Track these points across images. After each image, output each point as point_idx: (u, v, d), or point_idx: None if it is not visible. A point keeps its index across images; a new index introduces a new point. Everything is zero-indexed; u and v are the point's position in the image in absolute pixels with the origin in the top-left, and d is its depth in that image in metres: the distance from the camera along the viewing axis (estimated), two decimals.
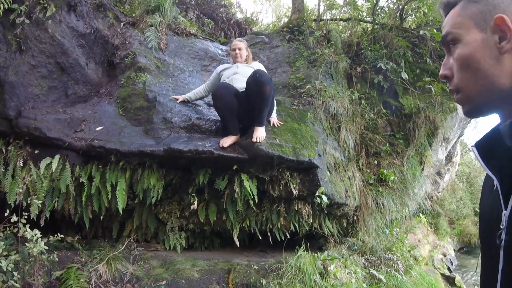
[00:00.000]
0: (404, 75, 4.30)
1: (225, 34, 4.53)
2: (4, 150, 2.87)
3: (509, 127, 0.61)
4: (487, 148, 0.66)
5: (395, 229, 4.62)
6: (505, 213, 0.59)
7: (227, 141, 2.85)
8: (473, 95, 0.65)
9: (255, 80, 2.76)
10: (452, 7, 0.70)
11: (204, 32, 4.39)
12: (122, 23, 4.17)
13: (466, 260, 8.28)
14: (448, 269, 7.04)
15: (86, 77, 3.51)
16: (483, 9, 0.64)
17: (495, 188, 0.63)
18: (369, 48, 4.42)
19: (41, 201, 2.75)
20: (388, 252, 4.48)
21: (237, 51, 3.28)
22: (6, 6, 2.73)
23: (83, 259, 2.88)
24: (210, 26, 4.61)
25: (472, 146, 0.70)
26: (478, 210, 0.82)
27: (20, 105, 2.94)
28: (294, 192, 2.90)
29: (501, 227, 0.59)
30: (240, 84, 3.03)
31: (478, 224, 0.74)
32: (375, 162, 3.79)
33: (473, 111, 0.68)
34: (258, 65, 3.36)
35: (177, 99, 3.28)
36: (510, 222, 0.58)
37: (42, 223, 2.86)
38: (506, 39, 0.61)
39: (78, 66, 3.42)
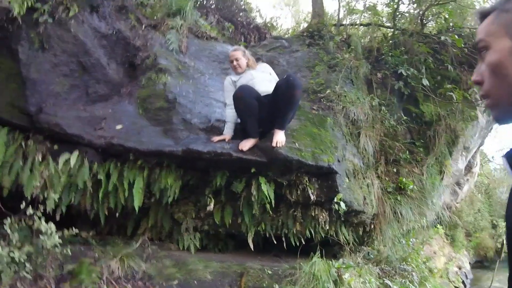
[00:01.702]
0: (425, 82, 4.22)
1: (245, 38, 4.55)
2: (23, 145, 2.92)
3: None
4: None
5: (411, 239, 4.51)
6: None
7: (246, 144, 2.84)
8: (502, 100, 0.68)
9: (288, 82, 2.73)
10: (486, 16, 0.73)
11: (224, 36, 4.42)
12: (143, 25, 4.22)
13: (481, 274, 8.02)
14: (463, 282, 6.83)
15: (107, 77, 3.55)
16: None
17: None
18: (390, 54, 4.36)
19: (58, 196, 2.79)
20: (404, 263, 4.38)
21: (234, 62, 3.18)
22: (29, 4, 2.80)
23: (97, 255, 2.89)
24: (230, 30, 4.64)
25: (502, 156, 0.70)
26: (500, 222, 0.78)
27: (42, 101, 3.00)
28: (312, 197, 2.86)
29: None
30: (260, 88, 3.00)
31: (506, 237, 0.71)
32: (394, 170, 3.72)
33: (501, 117, 0.71)
34: (266, 66, 3.35)
35: (220, 140, 2.97)
36: None
37: (58, 217, 2.89)
38: None
39: (99, 66, 3.47)
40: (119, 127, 3.12)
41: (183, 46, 3.88)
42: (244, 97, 2.83)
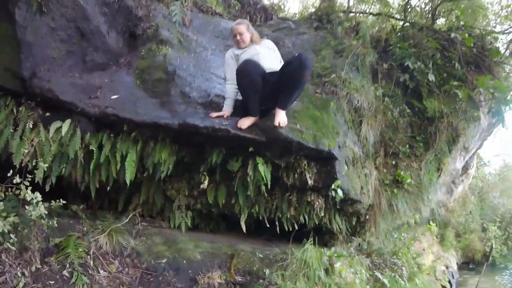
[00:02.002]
0: (431, 77, 4.13)
1: (251, 18, 4.43)
2: (15, 111, 2.83)
3: None
4: None
5: (403, 234, 4.50)
6: None
7: (245, 123, 2.73)
8: None
9: (300, 61, 2.60)
10: None
11: (230, 14, 4.29)
12: None
13: (467, 275, 8.12)
14: (449, 282, 6.90)
15: (106, 45, 3.44)
16: None
17: None
18: (398, 46, 4.25)
19: (47, 165, 2.70)
20: (394, 257, 4.38)
21: (238, 37, 2.98)
22: None
23: (85, 229, 2.83)
24: (236, 8, 4.51)
25: None
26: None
27: (36, 66, 2.90)
28: (309, 182, 2.79)
29: None
30: (266, 64, 2.85)
31: None
32: (393, 162, 3.66)
33: None
34: (271, 43, 3.20)
35: (218, 116, 2.86)
36: None
37: (47, 188, 2.81)
38: None
39: (98, 34, 3.35)
40: (114, 97, 3.02)
41: (186, 19, 3.75)
42: (249, 72, 2.68)
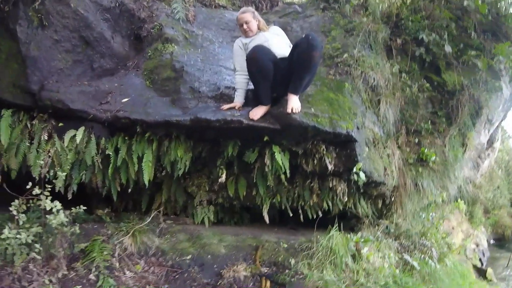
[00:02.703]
0: (448, 48, 3.93)
1: (256, 6, 4.33)
2: (28, 125, 2.87)
3: None
4: None
5: (431, 214, 4.35)
6: None
7: (257, 113, 2.66)
8: None
9: (308, 41, 2.49)
10: None
11: (234, 5, 4.22)
12: None
13: (497, 253, 7.85)
14: (480, 260, 6.69)
15: (112, 51, 3.45)
16: None
17: None
18: (410, 19, 4.07)
19: (65, 173, 2.74)
20: (423, 238, 4.24)
21: (244, 26, 2.89)
22: None
23: (110, 232, 2.86)
24: None
25: None
26: None
27: (43, 79, 2.93)
28: (330, 167, 2.71)
29: None
30: (277, 50, 2.75)
31: None
32: (416, 140, 3.51)
33: None
34: (278, 29, 3.10)
35: (230, 108, 2.79)
36: None
37: (69, 196, 2.85)
38: None
39: (103, 40, 3.36)
40: (125, 100, 3.02)
41: (190, 15, 3.71)
42: (259, 59, 2.58)
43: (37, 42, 2.87)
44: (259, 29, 2.95)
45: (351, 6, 3.86)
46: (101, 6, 3.38)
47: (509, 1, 4.86)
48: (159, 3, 4.04)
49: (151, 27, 3.70)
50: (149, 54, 3.42)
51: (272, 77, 2.64)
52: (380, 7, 4.21)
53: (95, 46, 3.28)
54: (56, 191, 2.67)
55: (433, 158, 3.45)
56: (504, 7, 4.58)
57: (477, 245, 7.05)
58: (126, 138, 2.96)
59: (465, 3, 4.35)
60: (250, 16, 2.91)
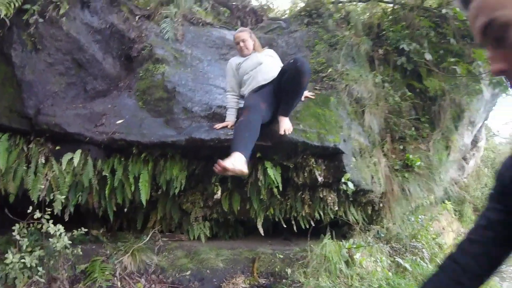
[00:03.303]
0: (428, 56, 4.11)
1: (242, 22, 4.45)
2: (25, 148, 2.92)
3: None
4: None
5: (420, 216, 4.49)
6: None
7: (230, 163, 2.13)
8: None
9: (296, 68, 2.46)
10: None
11: (220, 21, 4.33)
12: (137, 16, 4.13)
13: None
14: None
15: (104, 72, 3.52)
16: None
17: None
18: (391, 29, 4.24)
19: (64, 196, 2.79)
20: (413, 240, 4.37)
21: (241, 44, 2.93)
22: (17, 5, 2.73)
23: (108, 252, 2.92)
24: (226, 15, 4.54)
25: None
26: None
27: (39, 103, 2.98)
28: (319, 179, 2.83)
29: None
30: (266, 75, 2.79)
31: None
32: (401, 147, 3.66)
33: None
34: (272, 52, 3.13)
35: (222, 127, 2.83)
36: None
37: (66, 218, 2.90)
38: None
39: (95, 62, 3.43)
40: (119, 121, 3.09)
41: (179, 34, 3.81)
42: (250, 120, 2.44)
43: (32, 66, 2.93)
44: (254, 49, 3.00)
45: (334, 20, 4.01)
46: (92, 28, 3.46)
47: None
48: (148, 23, 4.13)
49: (141, 47, 3.78)
50: (140, 74, 3.50)
51: (258, 132, 2.46)
52: (361, 18, 4.38)
53: (88, 68, 3.35)
54: (55, 213, 2.72)
55: (418, 163, 3.60)
56: None
57: None
58: (122, 159, 3.03)
59: (444, 11, 4.56)
60: (247, 35, 2.98)
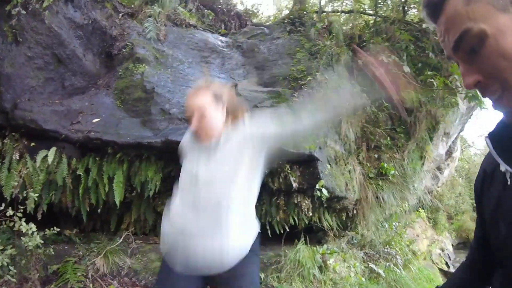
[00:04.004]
0: (406, 69, 4.24)
1: (225, 26, 4.47)
2: (0, 144, 2.82)
3: None
4: (501, 140, 0.61)
5: (394, 223, 4.61)
6: None
7: None
8: None
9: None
10: (442, 5, 0.56)
11: (204, 24, 4.34)
12: (120, 14, 4.11)
13: (463, 255, 8.28)
14: (446, 264, 7.07)
15: (83, 69, 3.47)
16: None
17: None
18: (371, 41, 4.37)
19: (37, 195, 2.72)
20: (387, 246, 4.49)
21: (194, 122, 1.36)
22: None
23: (81, 253, 2.86)
24: (210, 18, 4.56)
25: (485, 137, 0.64)
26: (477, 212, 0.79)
27: (16, 97, 2.91)
28: (294, 185, 2.87)
29: None
30: (213, 193, 1.31)
31: (490, 226, 0.69)
32: (376, 155, 3.76)
33: None
34: (250, 127, 1.41)
35: None
36: None
37: (39, 216, 2.82)
38: None
39: (75, 58, 3.38)
40: (96, 120, 3.05)
41: (161, 35, 3.80)
42: None
43: (11, 59, 2.85)
44: (228, 123, 1.44)
45: (316, 29, 4.09)
46: (74, 23, 3.41)
47: None
48: (131, 21, 4.10)
49: (123, 45, 3.74)
50: (120, 73, 3.47)
51: None
52: (343, 29, 4.49)
53: (67, 63, 3.29)
54: (28, 212, 2.65)
55: (392, 172, 3.70)
56: None
57: (443, 250, 7.44)
58: (97, 158, 2.98)
59: (424, 25, 4.71)
60: (206, 102, 1.38)
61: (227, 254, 1.27)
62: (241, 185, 1.33)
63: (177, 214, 1.37)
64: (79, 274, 2.61)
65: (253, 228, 1.41)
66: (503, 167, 0.61)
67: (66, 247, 2.90)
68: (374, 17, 5.12)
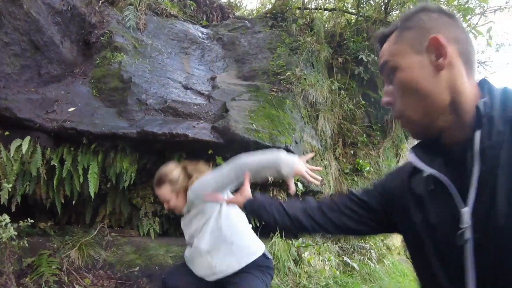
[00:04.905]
0: None
1: (207, 17, 4.43)
2: None
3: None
4: (427, 150, 0.68)
5: None
6: (465, 210, 0.58)
7: None
8: (417, 117, 0.66)
9: None
10: (386, 39, 0.73)
11: (186, 14, 4.28)
12: (100, 1, 4.01)
13: None
14: None
15: (60, 56, 3.39)
16: (417, 33, 0.67)
17: (440, 190, 0.63)
18: (352, 39, 4.43)
19: (11, 185, 2.64)
20: (362, 241, 4.60)
21: (165, 206, 1.78)
22: None
23: (55, 245, 2.82)
24: (192, 8, 4.50)
25: (409, 152, 0.72)
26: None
27: None
28: (270, 178, 2.90)
29: (463, 226, 0.57)
30: (202, 242, 1.72)
31: (412, 235, 0.71)
32: (352, 152, 3.84)
33: (419, 133, 0.69)
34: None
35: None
36: (476, 219, 0.57)
37: (13, 208, 2.75)
38: (442, 55, 0.64)
39: (52, 45, 3.29)
40: (71, 109, 2.99)
41: (141, 24, 3.73)
42: None
43: None
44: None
45: (298, 25, 4.12)
46: (53, 8, 3.31)
47: None
48: (111, 9, 4.01)
49: (101, 33, 3.67)
50: (97, 61, 3.40)
51: None
52: (325, 27, 4.53)
53: (44, 50, 3.21)
54: (1, 203, 2.59)
55: (367, 168, 3.80)
56: None
57: None
58: (72, 149, 2.92)
59: None
60: (167, 189, 1.73)
61: (215, 268, 1.71)
62: (214, 229, 1.74)
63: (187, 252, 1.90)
64: (54, 267, 2.57)
65: (244, 253, 1.75)
66: (428, 171, 0.65)
67: (40, 240, 2.85)
68: (356, 16, 5.19)
